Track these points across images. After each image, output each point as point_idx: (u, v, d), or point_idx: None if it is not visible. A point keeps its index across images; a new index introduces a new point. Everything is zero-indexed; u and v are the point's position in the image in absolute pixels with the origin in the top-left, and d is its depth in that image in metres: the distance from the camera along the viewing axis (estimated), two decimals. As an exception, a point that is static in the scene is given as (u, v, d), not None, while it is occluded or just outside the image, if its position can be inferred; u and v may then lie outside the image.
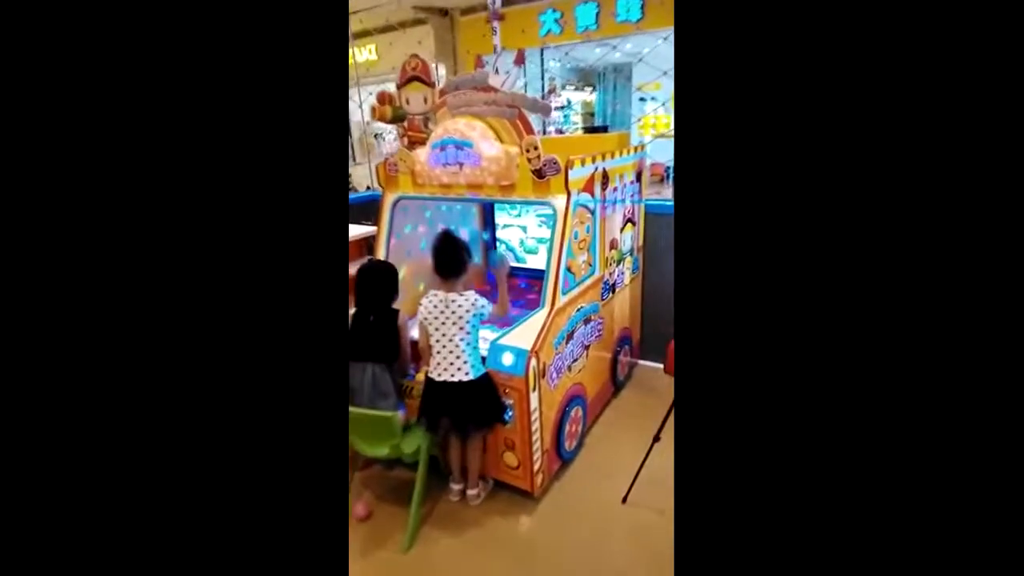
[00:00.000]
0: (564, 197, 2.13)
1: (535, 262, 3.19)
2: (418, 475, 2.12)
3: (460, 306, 2.04)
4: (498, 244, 3.33)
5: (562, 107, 9.83)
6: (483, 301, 2.09)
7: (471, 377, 2.02)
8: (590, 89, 10.64)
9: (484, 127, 2.21)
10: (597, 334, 2.59)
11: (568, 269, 2.21)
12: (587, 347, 2.48)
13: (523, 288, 3.12)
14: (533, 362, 2.00)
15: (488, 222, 3.29)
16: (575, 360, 2.36)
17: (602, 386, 2.78)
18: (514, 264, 3.32)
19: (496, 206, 3.23)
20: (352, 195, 4.32)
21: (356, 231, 3.43)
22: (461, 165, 2.23)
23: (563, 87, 9.89)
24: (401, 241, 2.70)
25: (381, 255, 2.62)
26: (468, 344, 2.04)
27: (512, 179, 2.19)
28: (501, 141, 2.22)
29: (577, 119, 10.00)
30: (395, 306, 2.23)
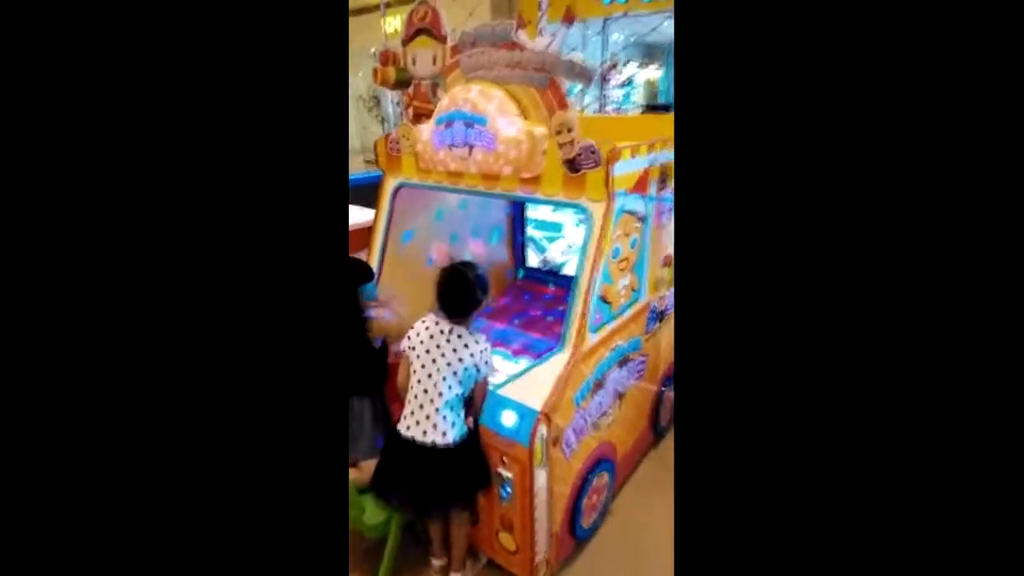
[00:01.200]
0: (603, 200, 1.54)
1: (570, 268, 2.62)
2: (386, 553, 1.64)
3: (465, 346, 1.51)
4: (526, 243, 2.78)
5: (624, 84, 9.03)
6: (489, 356, 1.56)
7: (450, 441, 1.49)
8: (656, 66, 9.75)
9: (504, 98, 1.64)
10: (637, 375, 2.01)
11: (602, 299, 1.63)
12: (622, 395, 1.91)
13: (550, 302, 2.54)
14: (542, 429, 1.45)
15: (516, 217, 2.73)
16: (604, 414, 1.80)
17: (638, 436, 2.20)
18: (546, 271, 2.77)
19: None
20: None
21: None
22: (471, 148, 1.68)
23: (626, 63, 9.06)
24: (414, 237, 2.20)
25: (376, 252, 2.12)
26: (457, 398, 1.52)
27: (536, 170, 1.62)
28: (525, 117, 1.65)
29: (639, 98, 9.16)
30: (373, 312, 1.72)
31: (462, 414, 1.53)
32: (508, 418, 1.49)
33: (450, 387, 1.49)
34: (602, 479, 1.88)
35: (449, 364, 1.49)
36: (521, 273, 2.83)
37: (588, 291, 1.55)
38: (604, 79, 8.13)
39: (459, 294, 1.52)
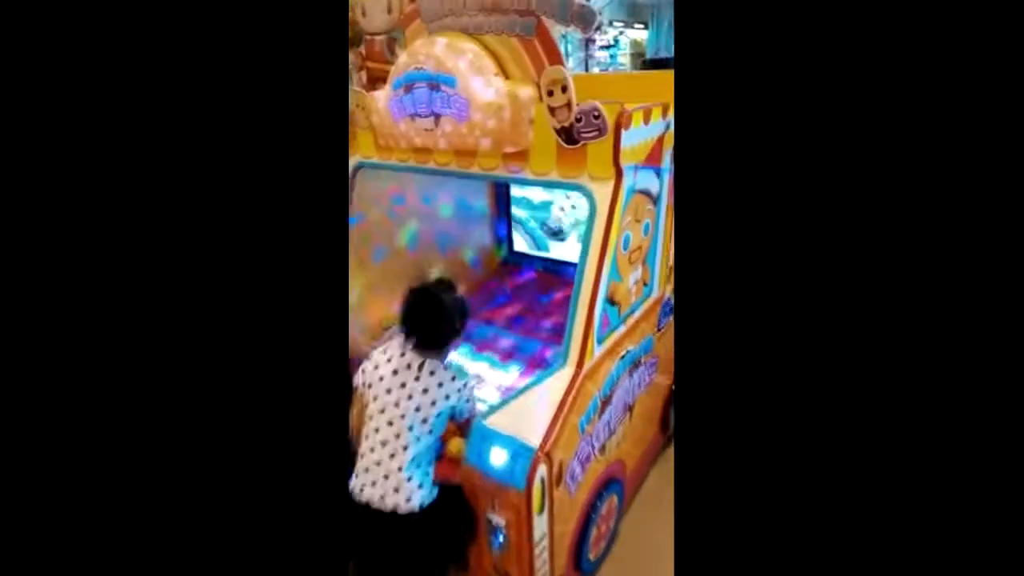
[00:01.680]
0: (611, 179, 1.23)
1: (564, 251, 2.30)
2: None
3: (440, 385, 1.19)
4: (513, 227, 2.45)
5: (609, 46, 8.59)
6: (471, 393, 1.25)
7: (415, 506, 1.18)
8: (641, 26, 9.30)
9: (478, 52, 1.30)
10: (648, 380, 1.73)
11: (610, 300, 1.33)
12: (631, 406, 1.63)
13: (541, 300, 2.23)
14: (542, 469, 1.17)
15: (500, 200, 2.40)
16: (612, 434, 1.52)
17: (648, 445, 1.94)
18: (535, 253, 2.45)
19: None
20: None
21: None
22: (438, 118, 1.34)
23: (610, 23, 8.60)
24: (371, 226, 1.87)
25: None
26: (426, 450, 1.20)
27: (523, 143, 1.29)
28: (506, 76, 1.32)
29: (625, 60, 8.72)
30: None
31: (431, 471, 1.22)
32: (498, 457, 1.20)
33: (418, 438, 1.17)
34: (611, 503, 1.61)
35: (418, 409, 1.17)
36: (504, 259, 2.51)
37: (594, 293, 1.25)
38: (589, 40, 7.69)
39: (433, 322, 1.20)
